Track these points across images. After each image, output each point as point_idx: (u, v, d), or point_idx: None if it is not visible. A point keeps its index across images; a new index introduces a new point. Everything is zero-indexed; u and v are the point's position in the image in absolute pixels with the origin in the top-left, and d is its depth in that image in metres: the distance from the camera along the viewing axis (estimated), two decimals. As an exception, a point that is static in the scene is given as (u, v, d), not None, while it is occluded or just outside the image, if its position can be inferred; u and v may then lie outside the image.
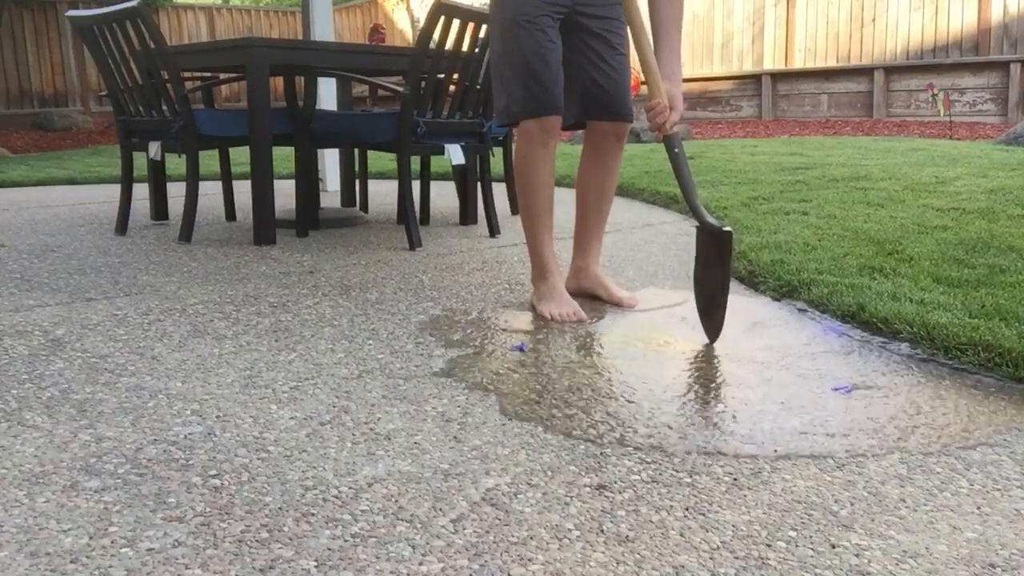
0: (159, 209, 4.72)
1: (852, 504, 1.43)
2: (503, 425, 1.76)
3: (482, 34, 3.72)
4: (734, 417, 1.81)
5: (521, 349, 2.29)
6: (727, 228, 2.36)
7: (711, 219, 2.44)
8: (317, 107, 4.15)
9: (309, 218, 4.27)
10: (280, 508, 1.39)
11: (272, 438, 1.68)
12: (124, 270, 3.32)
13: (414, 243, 3.80)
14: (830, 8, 11.71)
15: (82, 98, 14.28)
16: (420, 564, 1.23)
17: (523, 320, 2.60)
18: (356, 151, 5.18)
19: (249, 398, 1.91)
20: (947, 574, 1.22)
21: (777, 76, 12.20)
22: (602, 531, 1.33)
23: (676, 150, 2.47)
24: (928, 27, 10.86)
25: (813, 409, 1.86)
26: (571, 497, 1.44)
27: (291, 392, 1.95)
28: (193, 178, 3.96)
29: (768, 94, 12.23)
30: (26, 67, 13.74)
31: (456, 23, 3.63)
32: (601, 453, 1.62)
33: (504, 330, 2.48)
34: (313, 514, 1.37)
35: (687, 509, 1.41)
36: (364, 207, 5.10)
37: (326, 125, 4.07)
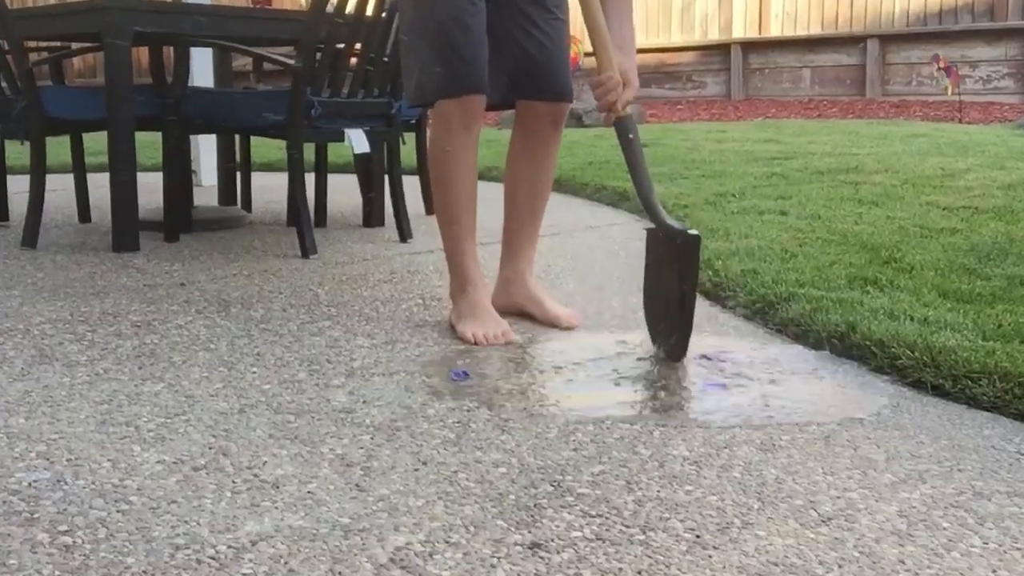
0: (-4, 207, 4.65)
1: (840, 567, 1.41)
2: (416, 471, 1.77)
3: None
4: (697, 461, 1.84)
5: (465, 375, 2.30)
6: (693, 232, 2.38)
7: (672, 221, 2.46)
8: (190, 84, 4.13)
9: (180, 219, 4.24)
10: (145, 571, 1.39)
11: (135, 486, 1.68)
12: (-50, 282, 3.27)
13: (307, 249, 3.79)
14: (814, -36, 11.66)
15: None
16: (314, 637, 1.24)
17: (441, 343, 2.61)
18: (237, 138, 5.15)
19: (107, 437, 1.90)
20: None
21: (749, 46, 12.03)
22: (532, 595, 1.34)
23: (630, 136, 2.47)
24: (934, -14, 10.71)
25: (791, 448, 1.88)
26: (498, 558, 1.45)
27: (158, 430, 1.94)
28: (39, 170, 3.91)
29: (738, 68, 12.08)
30: None
31: (360, -17, 3.64)
32: (535, 505, 1.63)
33: (418, 356, 2.49)
34: (185, 578, 1.38)
35: (639, 573, 1.40)
36: (247, 206, 5.07)
37: (200, 106, 4.05)
